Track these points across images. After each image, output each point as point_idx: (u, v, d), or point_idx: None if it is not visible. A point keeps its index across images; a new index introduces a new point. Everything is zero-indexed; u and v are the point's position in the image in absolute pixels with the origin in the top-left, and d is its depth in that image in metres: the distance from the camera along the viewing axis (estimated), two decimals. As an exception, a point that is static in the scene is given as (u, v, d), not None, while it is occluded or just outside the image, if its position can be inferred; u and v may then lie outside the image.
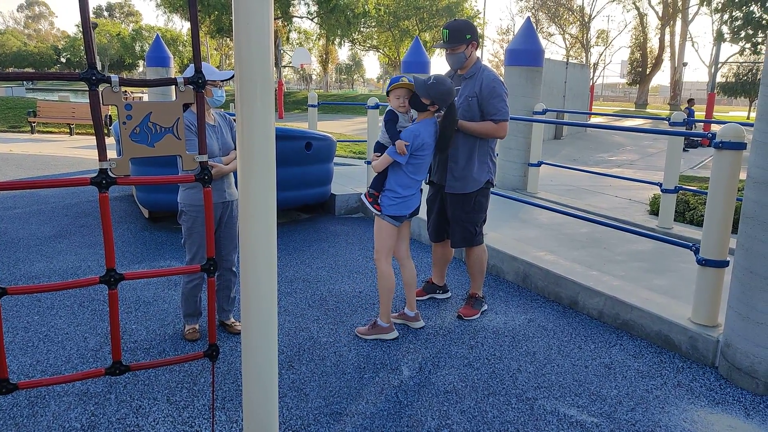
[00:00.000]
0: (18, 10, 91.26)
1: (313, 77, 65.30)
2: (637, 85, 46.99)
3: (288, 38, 41.35)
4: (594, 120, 24.79)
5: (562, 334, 3.67)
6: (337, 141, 7.15)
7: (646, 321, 3.61)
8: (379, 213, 3.48)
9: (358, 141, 10.55)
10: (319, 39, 46.90)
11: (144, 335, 3.48)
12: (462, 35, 3.61)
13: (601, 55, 55.97)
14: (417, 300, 4.16)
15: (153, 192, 5.59)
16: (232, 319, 3.61)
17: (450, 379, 3.07)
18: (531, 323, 3.82)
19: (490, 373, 3.14)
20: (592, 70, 43.92)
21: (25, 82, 40.24)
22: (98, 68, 1.64)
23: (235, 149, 3.45)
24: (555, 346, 3.51)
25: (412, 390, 2.95)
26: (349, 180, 7.65)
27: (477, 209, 3.76)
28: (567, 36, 51.06)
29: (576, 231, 5.60)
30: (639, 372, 3.20)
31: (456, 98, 3.61)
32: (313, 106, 8.62)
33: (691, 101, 19.62)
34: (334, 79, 78.12)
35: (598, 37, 52.64)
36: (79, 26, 72.92)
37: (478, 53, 3.79)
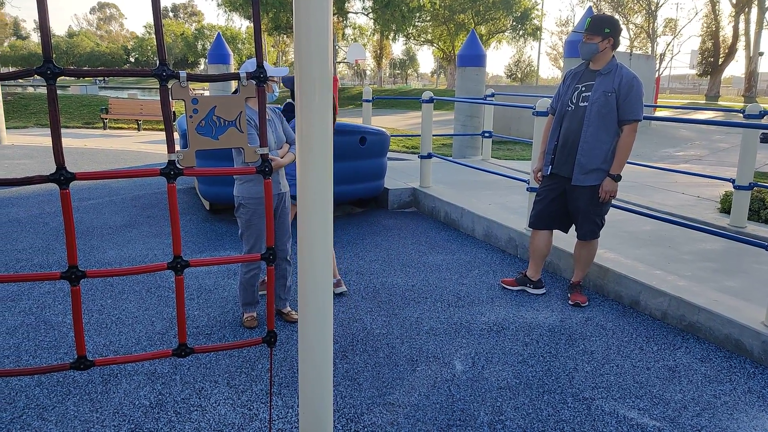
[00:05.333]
0: (90, 13, 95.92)
1: (367, 73, 65.63)
2: (708, 77, 44.73)
3: (343, 34, 41.72)
4: (659, 113, 23.84)
5: (622, 334, 3.57)
6: (391, 136, 7.18)
7: (714, 324, 3.46)
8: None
9: (412, 135, 10.56)
10: (373, 34, 47.07)
11: (205, 321, 3.63)
12: (601, 28, 3.67)
13: (668, 45, 53.59)
14: (508, 289, 4.27)
15: (214, 185, 5.79)
16: (289, 308, 3.70)
17: (504, 375, 3.05)
18: (588, 322, 3.75)
19: (545, 371, 3.10)
20: (658, 61, 42.20)
21: (97, 81, 42.32)
22: (168, 65, 1.72)
23: (287, 142, 3.55)
24: (614, 346, 3.42)
25: (464, 384, 2.95)
26: (403, 174, 7.68)
27: (606, 201, 3.85)
28: (631, 26, 49.21)
29: (639, 228, 5.43)
30: (706, 376, 3.08)
31: (590, 93, 3.70)
32: (367, 101, 8.69)
33: None
34: (387, 75, 78.23)
35: (665, 26, 50.44)
36: (146, 27, 75.99)
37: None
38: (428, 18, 41.65)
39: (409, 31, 42.47)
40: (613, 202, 5.25)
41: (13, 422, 2.54)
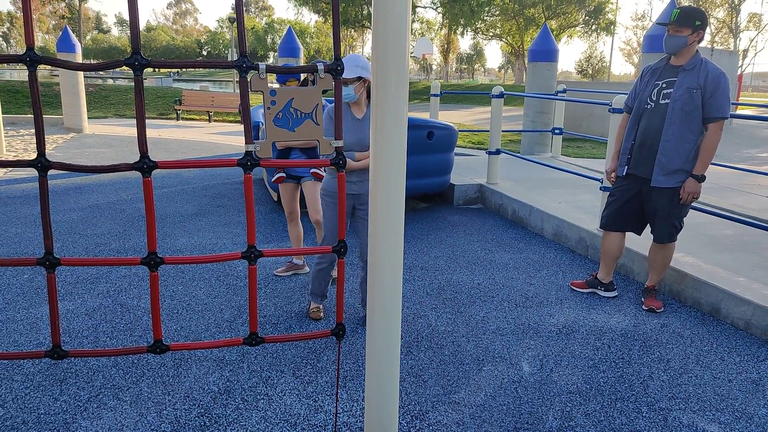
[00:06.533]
0: (167, 8, 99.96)
1: (434, 67, 65.20)
2: (796, 74, 41.90)
3: (411, 29, 41.70)
4: (742, 111, 22.49)
5: (701, 343, 3.38)
6: (458, 131, 7.08)
7: (802, 336, 3.23)
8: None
9: (478, 131, 10.38)
10: (441, 29, 46.72)
11: (272, 311, 3.68)
12: (691, 20, 3.48)
13: (752, 40, 50.68)
14: (578, 291, 4.15)
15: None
16: None
17: (573, 380, 2.94)
18: (664, 328, 3.56)
19: (617, 378, 2.97)
20: (741, 57, 39.88)
21: (172, 74, 44.03)
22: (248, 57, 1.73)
23: None
24: (693, 355, 3.24)
25: (532, 387, 2.86)
26: (469, 170, 7.57)
27: (688, 203, 3.69)
28: (713, 20, 46.73)
29: (719, 233, 5.12)
30: (793, 392, 2.88)
31: (672, 90, 3.54)
32: (435, 95, 8.61)
33: None
34: (454, 69, 77.48)
35: (749, 21, 47.69)
36: (219, 21, 78.44)
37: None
38: (497, 12, 40.96)
39: (478, 26, 41.90)
40: (693, 204, 4.96)
41: (91, 401, 2.66)
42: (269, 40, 65.09)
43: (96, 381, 2.81)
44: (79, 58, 12.41)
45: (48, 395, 2.69)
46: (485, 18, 41.23)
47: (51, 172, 7.91)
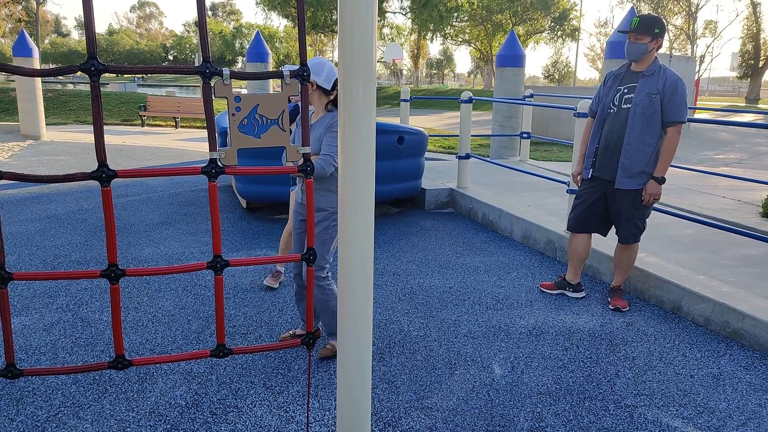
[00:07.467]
0: (131, 11, 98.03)
1: (404, 72, 65.49)
2: (749, 79, 43.49)
3: (381, 34, 41.80)
4: (699, 115, 23.15)
5: (664, 340, 3.46)
6: (428, 136, 7.10)
7: (759, 331, 3.35)
8: None
9: (449, 135, 10.42)
10: (411, 34, 46.98)
11: (241, 320, 3.62)
12: (651, 27, 3.58)
13: (708, 47, 52.52)
14: (547, 292, 4.22)
15: (251, 183, 5.81)
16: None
17: (543, 381, 2.96)
18: (630, 327, 3.63)
19: (585, 377, 3.01)
20: (698, 63, 41.18)
21: (136, 79, 43.26)
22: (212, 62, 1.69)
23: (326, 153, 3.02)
24: (656, 352, 3.31)
25: (503, 389, 2.88)
26: (440, 175, 7.60)
27: (650, 204, 3.79)
28: (671, 27, 48.16)
29: (679, 232, 5.25)
30: (751, 385, 2.98)
31: (633, 95, 3.64)
32: (405, 100, 8.63)
33: None
34: (424, 74, 77.98)
35: (705, 28, 49.39)
36: (185, 25, 77.35)
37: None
38: (466, 18, 41.38)
39: (447, 31, 42.25)
40: (654, 205, 5.06)
41: (49, 420, 2.55)
42: (237, 45, 64.41)
43: (55, 399, 2.71)
44: (36, 63, 12.07)
45: (3, 416, 2.58)
46: (454, 23, 41.62)
47: (3, 181, 7.65)
